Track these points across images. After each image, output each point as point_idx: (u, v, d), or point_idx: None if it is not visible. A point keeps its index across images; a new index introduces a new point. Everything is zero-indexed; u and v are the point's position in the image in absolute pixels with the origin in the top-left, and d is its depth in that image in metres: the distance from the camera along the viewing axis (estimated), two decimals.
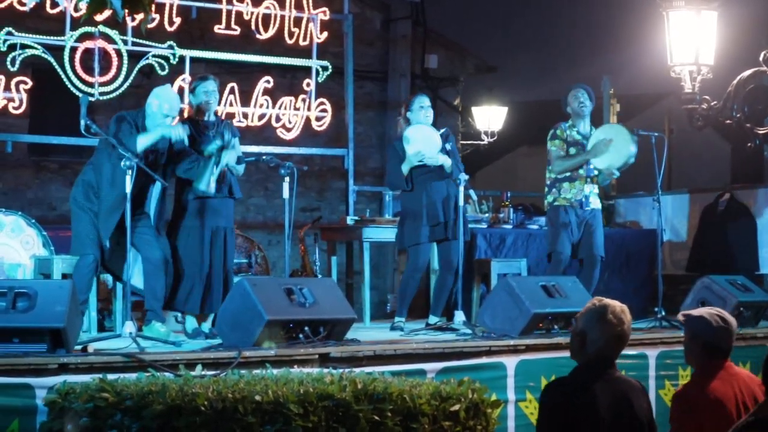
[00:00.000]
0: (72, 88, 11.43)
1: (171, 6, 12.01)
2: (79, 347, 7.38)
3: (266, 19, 12.71)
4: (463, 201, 9.93)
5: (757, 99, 12.55)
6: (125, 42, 11.68)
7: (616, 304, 5.38)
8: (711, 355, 5.84)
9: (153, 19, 11.68)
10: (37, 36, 11.34)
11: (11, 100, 11.23)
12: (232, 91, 12.47)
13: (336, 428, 6.43)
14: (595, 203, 10.54)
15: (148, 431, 6.08)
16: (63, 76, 11.41)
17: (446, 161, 9.95)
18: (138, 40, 11.72)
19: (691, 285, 10.49)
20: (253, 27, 12.63)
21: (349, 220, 11.72)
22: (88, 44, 11.55)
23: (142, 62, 11.85)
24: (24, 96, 11.28)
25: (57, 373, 6.84)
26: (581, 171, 10.44)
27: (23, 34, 11.26)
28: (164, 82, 10.31)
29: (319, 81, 13.02)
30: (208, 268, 9.02)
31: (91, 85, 11.55)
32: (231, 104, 12.45)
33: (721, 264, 12.40)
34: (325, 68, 13.03)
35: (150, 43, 11.86)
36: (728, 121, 12.52)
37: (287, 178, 9.10)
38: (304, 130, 13.06)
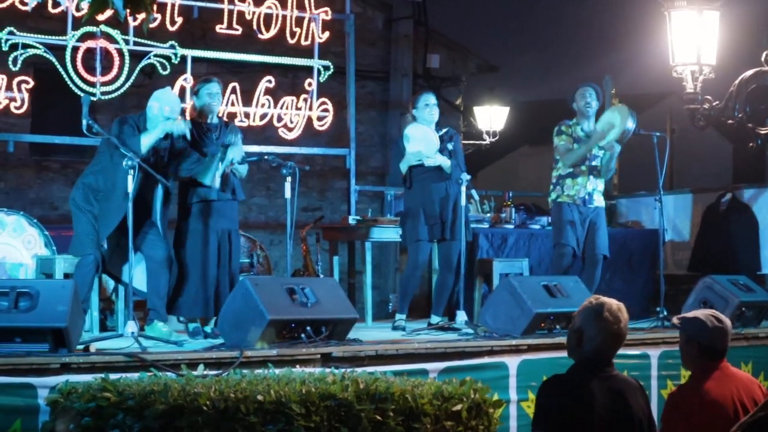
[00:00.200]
0: (74, 88, 11.43)
1: (172, 6, 12.01)
2: (81, 347, 7.39)
3: (268, 19, 12.71)
4: (465, 201, 9.93)
5: (758, 99, 12.54)
6: (127, 42, 11.68)
7: (612, 302, 5.38)
8: (707, 356, 5.85)
9: (155, 19, 11.67)
10: (39, 36, 11.34)
11: (13, 99, 11.22)
12: (233, 91, 12.47)
13: (338, 428, 6.43)
14: (599, 201, 10.53)
15: (150, 431, 6.08)
16: (65, 76, 11.41)
17: (445, 162, 9.96)
18: (140, 40, 11.71)
19: (693, 285, 10.48)
20: (254, 27, 12.62)
21: (351, 219, 11.72)
22: (90, 44, 11.55)
23: (144, 62, 11.84)
24: (26, 96, 11.28)
25: (59, 372, 6.85)
26: (583, 167, 10.44)
27: (25, 34, 11.26)
28: (166, 82, 10.32)
29: (321, 81, 13.02)
30: (216, 270, 9.01)
31: (92, 84, 11.55)
32: (233, 104, 12.45)
33: (723, 264, 12.39)
34: (326, 68, 13.02)
35: (152, 43, 11.86)
36: (730, 121, 12.50)
37: (289, 178, 9.10)
38: (305, 130, 13.06)
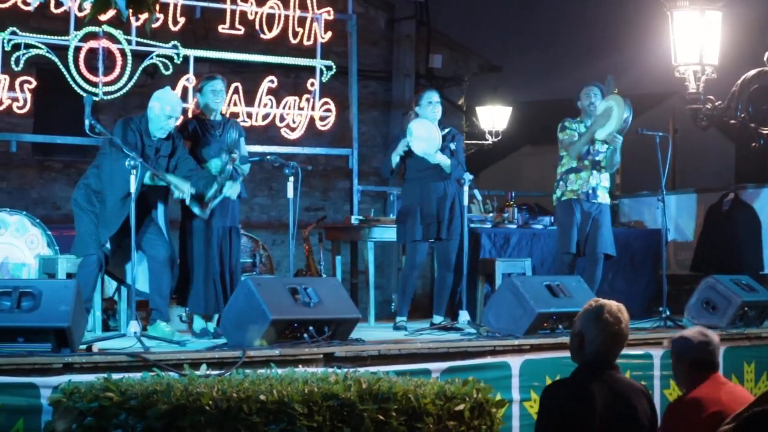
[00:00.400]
0: (76, 88, 11.43)
1: (175, 6, 12.00)
2: (83, 347, 7.39)
3: (270, 19, 12.70)
4: (467, 201, 9.95)
5: (761, 99, 12.55)
6: (129, 42, 11.67)
7: (612, 304, 5.40)
8: (697, 370, 5.99)
9: (157, 19, 11.66)
10: (42, 36, 11.34)
11: (15, 99, 11.22)
12: (236, 91, 12.46)
13: (340, 428, 6.43)
14: (603, 198, 10.52)
15: (152, 431, 6.08)
16: (67, 76, 11.41)
17: (445, 161, 9.96)
18: (142, 40, 11.71)
19: (695, 285, 10.48)
20: (257, 27, 12.61)
21: (354, 219, 11.72)
22: (93, 44, 11.54)
23: (146, 62, 11.84)
24: (28, 96, 11.27)
25: (62, 372, 6.84)
26: (586, 161, 10.44)
27: (27, 34, 11.26)
28: (168, 82, 10.32)
29: (323, 81, 13.01)
30: (218, 267, 9.02)
31: (95, 84, 11.54)
32: (235, 104, 12.44)
33: (726, 264, 12.39)
34: (329, 68, 13.02)
35: (154, 43, 11.85)
36: (732, 121, 12.52)
37: (291, 178, 9.11)
38: (308, 130, 13.05)
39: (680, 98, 15.05)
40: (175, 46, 11.97)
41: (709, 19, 11.92)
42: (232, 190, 9.01)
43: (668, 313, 10.13)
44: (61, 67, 11.37)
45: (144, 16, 5.28)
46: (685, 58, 12.01)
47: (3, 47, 11.10)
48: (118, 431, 6.11)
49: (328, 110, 13.06)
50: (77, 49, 11.45)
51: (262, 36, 12.69)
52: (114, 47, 11.62)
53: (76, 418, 6.23)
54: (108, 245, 8.66)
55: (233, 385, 6.40)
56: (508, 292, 9.14)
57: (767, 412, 4.45)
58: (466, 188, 9.83)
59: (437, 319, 10.08)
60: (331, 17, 13.10)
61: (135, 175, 8.17)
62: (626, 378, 5.45)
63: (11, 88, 11.20)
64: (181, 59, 11.99)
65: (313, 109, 12.97)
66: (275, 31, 12.72)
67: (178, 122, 9.14)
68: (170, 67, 11.87)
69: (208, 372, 7.00)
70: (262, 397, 6.29)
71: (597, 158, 10.46)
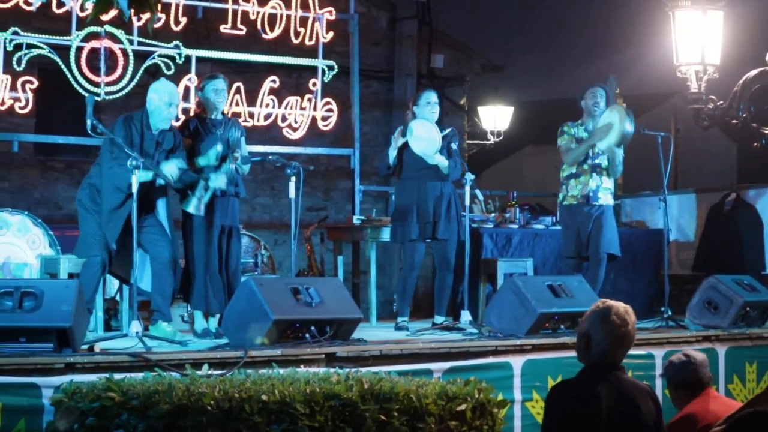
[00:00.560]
0: (78, 88, 11.44)
1: (177, 6, 12.01)
2: (85, 347, 7.39)
3: (272, 19, 12.71)
4: (468, 201, 9.95)
5: (763, 99, 12.57)
6: (131, 42, 11.68)
7: (620, 305, 5.41)
8: (685, 390, 6.42)
9: (159, 19, 11.68)
10: (43, 36, 11.35)
11: (17, 99, 11.23)
12: (238, 91, 12.47)
13: (342, 428, 6.43)
14: (605, 199, 10.49)
15: (154, 431, 6.08)
16: (69, 76, 11.42)
17: (443, 162, 9.96)
18: (144, 40, 11.72)
19: (697, 285, 10.47)
20: (259, 27, 12.62)
21: (356, 219, 11.72)
22: (94, 44, 11.55)
23: (148, 62, 11.85)
24: (30, 96, 11.28)
25: (63, 372, 6.84)
26: (585, 166, 10.43)
27: (29, 34, 11.27)
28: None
29: (325, 80, 13.01)
30: (217, 265, 9.02)
31: (97, 84, 11.55)
32: (237, 104, 12.45)
33: (728, 263, 12.39)
34: (331, 68, 13.02)
35: (156, 43, 11.86)
36: (734, 121, 12.53)
37: (293, 178, 9.11)
38: (310, 130, 13.06)
39: (682, 98, 15.05)
40: (177, 46, 11.98)
41: (710, 18, 11.93)
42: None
43: (670, 313, 10.12)
44: (63, 67, 11.38)
45: (146, 16, 5.28)
46: (687, 58, 12.02)
47: (5, 47, 11.11)
48: (119, 431, 6.12)
49: (330, 110, 13.06)
50: (79, 49, 11.46)
51: (263, 36, 12.70)
52: (116, 47, 11.63)
53: (77, 418, 6.23)
54: (114, 244, 8.64)
55: (235, 385, 6.40)
56: (509, 292, 9.14)
57: (758, 413, 4.47)
58: (467, 188, 9.82)
59: (439, 319, 10.08)
60: (333, 17, 13.10)
61: (137, 175, 8.16)
62: (632, 379, 5.46)
63: (13, 88, 11.21)
64: (182, 59, 12.00)
65: (314, 109, 12.98)
66: (277, 31, 12.73)
67: (179, 123, 9.13)
68: (172, 67, 11.88)
69: (209, 372, 7.00)
70: (263, 397, 6.29)
71: (596, 161, 10.45)
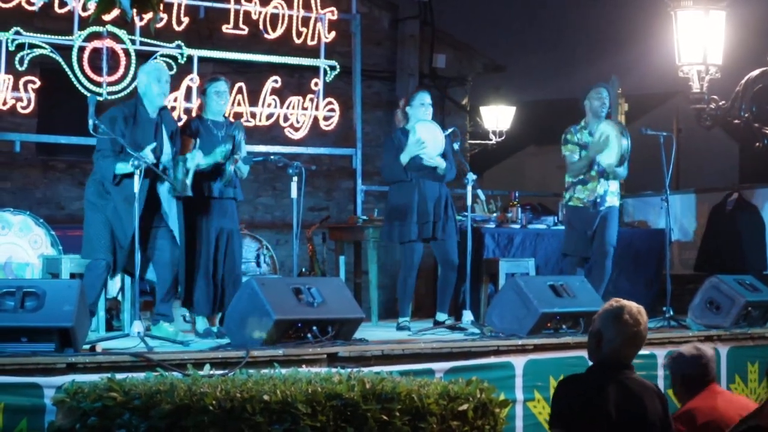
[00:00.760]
0: (80, 88, 11.44)
1: (179, 6, 12.02)
2: (87, 347, 7.39)
3: (274, 19, 12.71)
4: (470, 201, 9.96)
5: (765, 99, 12.57)
6: (133, 41, 11.69)
7: (633, 305, 5.45)
8: (691, 384, 6.35)
9: (161, 19, 11.68)
10: (46, 36, 11.36)
11: (19, 99, 11.23)
12: (240, 91, 12.47)
13: (344, 428, 6.43)
14: (612, 201, 10.52)
15: (156, 431, 6.09)
16: (71, 76, 11.42)
17: (441, 164, 9.97)
18: (146, 40, 11.73)
19: (699, 284, 10.48)
20: (261, 27, 12.63)
21: (357, 219, 11.72)
22: (96, 44, 11.56)
23: None
24: (32, 95, 11.29)
25: (65, 372, 6.84)
26: (593, 172, 10.44)
27: (31, 34, 11.28)
28: (172, 82, 10.28)
29: (327, 81, 13.02)
30: (213, 266, 9.01)
31: (99, 84, 11.56)
32: (239, 104, 12.45)
33: (730, 263, 12.39)
34: (333, 68, 13.03)
35: (158, 43, 11.87)
36: (736, 121, 12.53)
37: (295, 178, 9.11)
38: (312, 130, 13.06)
39: (684, 98, 15.06)
40: (179, 46, 11.99)
41: (712, 18, 11.93)
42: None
43: (672, 312, 10.13)
44: (65, 66, 11.39)
45: (148, 16, 5.29)
46: (688, 58, 12.02)
47: (7, 47, 11.12)
48: (121, 431, 6.12)
49: (332, 110, 13.07)
50: (81, 49, 11.47)
51: (265, 36, 12.70)
52: (118, 47, 11.64)
53: (79, 418, 6.24)
54: (126, 243, 8.53)
55: (237, 385, 6.40)
56: (511, 292, 9.14)
57: (760, 429, 4.46)
58: (469, 188, 9.83)
59: (441, 316, 10.08)
60: (335, 17, 13.11)
61: (139, 176, 8.15)
62: (640, 378, 5.48)
63: (15, 87, 11.21)
64: (184, 59, 12.00)
65: (316, 109, 12.98)
66: (279, 31, 12.73)
67: (181, 123, 9.12)
68: (174, 66, 11.87)
69: (211, 372, 7.00)
70: (265, 397, 6.30)
71: (603, 170, 10.45)
